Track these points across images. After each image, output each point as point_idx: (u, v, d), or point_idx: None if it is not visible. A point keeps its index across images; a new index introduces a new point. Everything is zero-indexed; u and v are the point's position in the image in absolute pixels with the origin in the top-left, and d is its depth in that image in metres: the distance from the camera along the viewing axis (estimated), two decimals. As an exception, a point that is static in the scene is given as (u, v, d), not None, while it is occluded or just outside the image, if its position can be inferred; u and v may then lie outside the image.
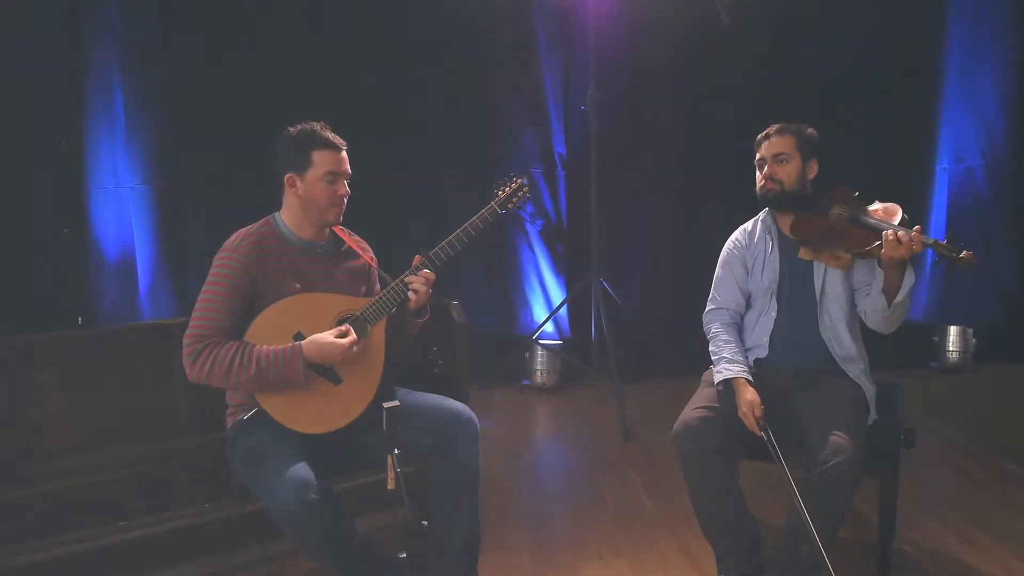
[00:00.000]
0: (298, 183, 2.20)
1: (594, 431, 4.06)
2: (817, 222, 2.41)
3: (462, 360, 2.67)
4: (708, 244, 2.74)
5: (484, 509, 2.31)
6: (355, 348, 2.12)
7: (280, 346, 2.07)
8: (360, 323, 2.20)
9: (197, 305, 2.11)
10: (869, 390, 2.40)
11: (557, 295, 4.94)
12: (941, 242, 2.22)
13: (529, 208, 4.86)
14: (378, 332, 2.24)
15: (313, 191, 2.19)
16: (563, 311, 4.92)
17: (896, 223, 2.28)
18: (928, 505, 3.05)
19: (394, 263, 2.36)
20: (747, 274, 2.54)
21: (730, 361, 2.40)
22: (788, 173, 2.45)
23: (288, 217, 2.25)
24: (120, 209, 4.25)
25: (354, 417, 2.17)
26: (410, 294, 2.23)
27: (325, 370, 2.13)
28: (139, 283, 4.30)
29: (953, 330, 4.87)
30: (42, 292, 3.90)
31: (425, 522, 1.83)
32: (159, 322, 2.78)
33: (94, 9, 4.07)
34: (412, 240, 2.36)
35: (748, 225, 2.61)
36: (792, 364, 2.44)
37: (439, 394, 2.37)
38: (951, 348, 4.87)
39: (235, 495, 2.16)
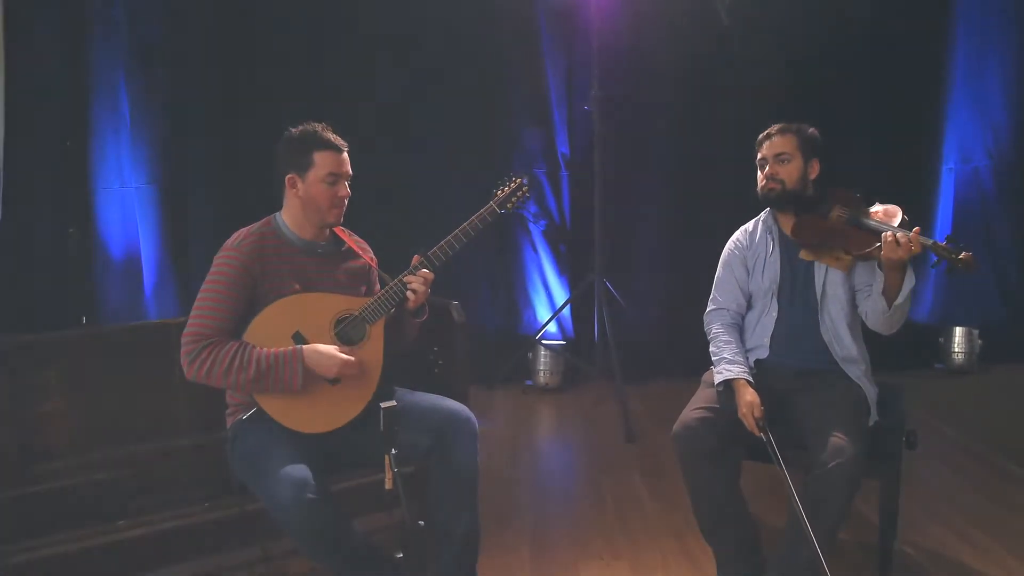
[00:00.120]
0: (299, 184, 2.21)
1: (596, 432, 4.06)
2: (817, 224, 2.41)
3: (462, 360, 2.67)
4: (712, 244, 2.74)
5: (485, 509, 2.32)
6: (351, 371, 2.13)
7: (281, 349, 2.08)
8: (359, 323, 2.21)
9: (196, 304, 2.11)
10: (870, 391, 2.39)
11: (560, 295, 4.93)
12: (940, 243, 2.21)
13: (532, 208, 4.86)
14: (377, 332, 2.24)
15: (314, 192, 2.20)
16: (566, 311, 4.91)
17: (896, 225, 2.28)
18: (929, 506, 3.04)
19: (394, 263, 2.37)
20: (748, 274, 2.53)
21: (730, 362, 2.39)
22: (789, 173, 2.45)
23: (289, 217, 2.26)
24: (125, 209, 4.27)
25: (352, 417, 2.17)
26: (408, 294, 2.24)
27: (324, 370, 2.13)
28: (144, 283, 4.32)
29: (959, 331, 4.85)
30: (47, 292, 3.93)
31: (422, 522, 1.84)
32: (159, 322, 2.79)
33: (99, 9, 4.09)
34: (413, 240, 2.36)
35: (749, 225, 2.60)
36: (793, 365, 2.43)
37: (439, 394, 2.37)
38: (956, 349, 4.85)
39: (235, 494, 2.17)
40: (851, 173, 4.40)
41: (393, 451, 1.84)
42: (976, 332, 4.84)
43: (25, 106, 3.79)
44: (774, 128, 2.48)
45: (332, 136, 2.22)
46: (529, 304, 4.99)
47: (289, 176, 2.21)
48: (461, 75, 4.69)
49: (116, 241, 4.25)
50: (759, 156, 2.50)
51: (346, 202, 2.26)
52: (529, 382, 4.79)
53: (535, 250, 4.94)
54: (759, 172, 2.50)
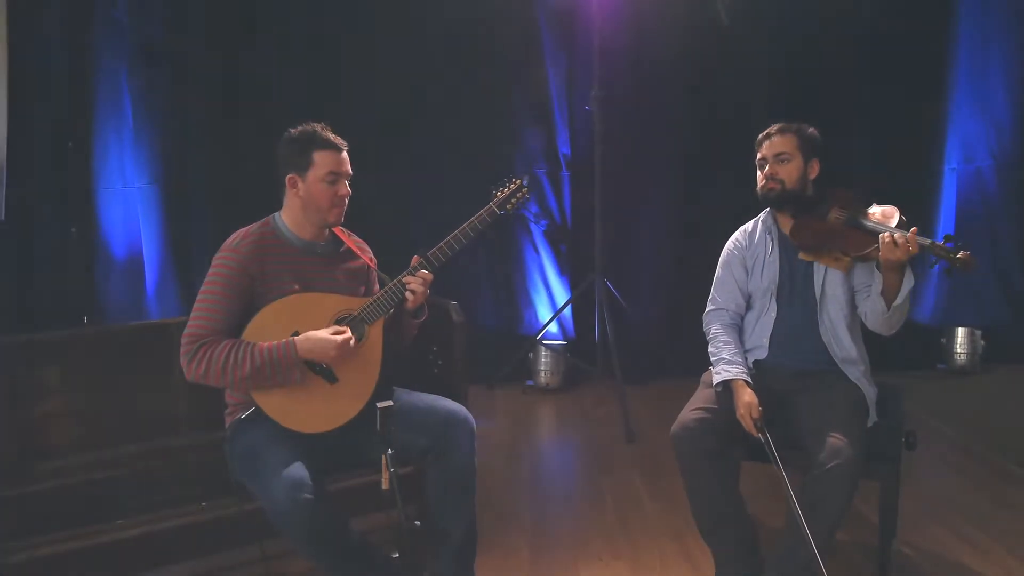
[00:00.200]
0: (299, 184, 2.21)
1: (597, 432, 4.06)
2: (815, 226, 2.40)
3: (461, 360, 2.67)
4: (712, 244, 2.74)
5: (485, 509, 2.32)
6: (351, 344, 2.13)
7: (275, 343, 2.08)
8: (357, 323, 2.22)
9: (196, 305, 2.12)
10: (869, 392, 2.39)
11: (561, 295, 4.94)
12: (938, 243, 2.21)
13: (533, 208, 4.86)
14: (375, 332, 2.24)
15: (314, 191, 2.21)
16: (567, 311, 4.91)
17: (893, 225, 2.27)
18: (929, 507, 3.03)
19: (394, 264, 2.37)
20: (747, 275, 2.53)
21: (729, 362, 2.39)
22: (789, 173, 2.45)
23: (288, 217, 2.27)
24: (127, 209, 4.27)
25: (351, 417, 2.17)
26: (407, 294, 2.25)
27: (322, 369, 2.14)
28: (146, 282, 4.32)
29: (961, 332, 4.84)
30: (49, 291, 3.93)
31: (418, 522, 1.84)
32: (159, 321, 2.80)
33: (101, 10, 4.10)
34: (413, 241, 2.36)
35: (748, 226, 2.60)
36: (791, 365, 2.43)
37: (438, 395, 2.38)
38: (959, 350, 4.84)
39: (234, 494, 2.17)
40: (851, 173, 4.41)
41: (389, 451, 1.84)
42: (979, 333, 4.82)
43: (28, 106, 3.79)
44: (774, 128, 2.48)
45: (332, 136, 2.23)
46: (530, 304, 4.99)
47: (290, 176, 2.22)
48: (462, 75, 4.68)
49: (118, 241, 4.25)
50: (759, 156, 2.50)
51: (347, 201, 2.27)
52: (530, 382, 4.79)
53: (536, 250, 4.94)
54: (759, 172, 2.50)
